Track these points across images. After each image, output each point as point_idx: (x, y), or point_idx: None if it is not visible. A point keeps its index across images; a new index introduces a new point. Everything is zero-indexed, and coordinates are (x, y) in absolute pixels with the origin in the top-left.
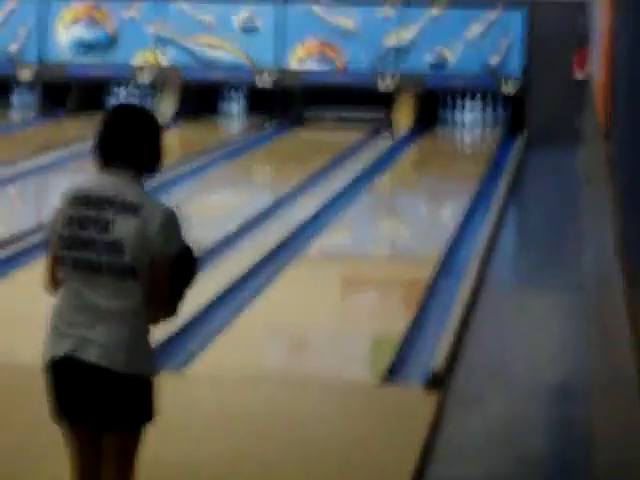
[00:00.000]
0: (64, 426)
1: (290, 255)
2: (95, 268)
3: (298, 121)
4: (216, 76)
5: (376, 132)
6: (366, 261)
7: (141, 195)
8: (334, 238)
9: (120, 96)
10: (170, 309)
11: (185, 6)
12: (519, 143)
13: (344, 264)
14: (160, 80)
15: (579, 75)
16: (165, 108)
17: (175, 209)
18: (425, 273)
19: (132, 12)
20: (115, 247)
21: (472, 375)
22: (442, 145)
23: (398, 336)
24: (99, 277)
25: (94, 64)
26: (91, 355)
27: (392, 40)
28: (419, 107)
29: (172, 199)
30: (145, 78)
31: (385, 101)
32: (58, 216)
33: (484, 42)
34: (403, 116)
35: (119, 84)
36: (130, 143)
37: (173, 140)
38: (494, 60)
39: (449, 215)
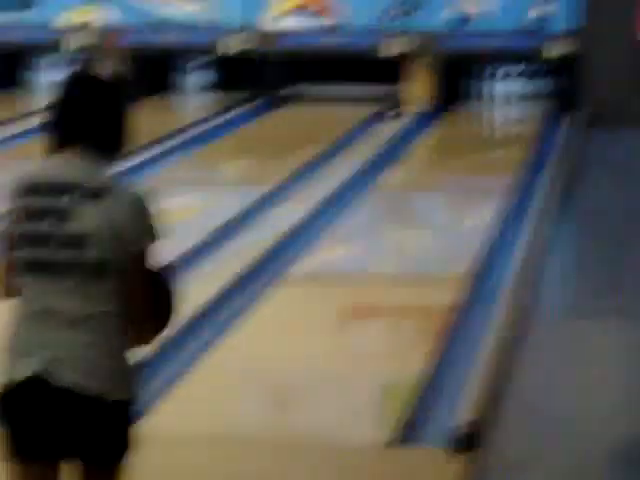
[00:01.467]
0: (21, 466)
1: (271, 277)
2: (55, 268)
3: (276, 99)
4: (168, 40)
5: (381, 113)
6: (372, 283)
7: (105, 179)
8: (329, 253)
9: (40, 68)
10: (149, 327)
11: None
12: (571, 125)
13: (343, 287)
14: (95, 46)
15: None
16: None
17: (145, 194)
18: (449, 298)
19: None
20: (76, 241)
21: (511, 433)
22: (468, 128)
23: (415, 381)
24: (62, 279)
25: (5, 25)
26: (63, 377)
27: None
28: (437, 78)
29: None
30: (74, 44)
31: (392, 70)
32: (8, 212)
33: None
34: (416, 90)
35: (39, 52)
36: (93, 119)
37: None
38: (534, 14)
39: (480, 221)
